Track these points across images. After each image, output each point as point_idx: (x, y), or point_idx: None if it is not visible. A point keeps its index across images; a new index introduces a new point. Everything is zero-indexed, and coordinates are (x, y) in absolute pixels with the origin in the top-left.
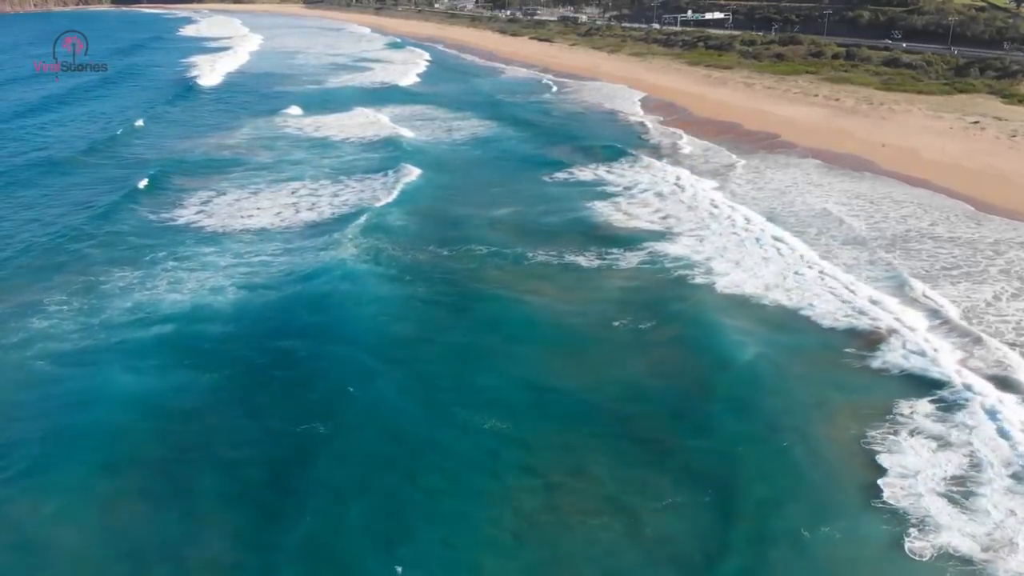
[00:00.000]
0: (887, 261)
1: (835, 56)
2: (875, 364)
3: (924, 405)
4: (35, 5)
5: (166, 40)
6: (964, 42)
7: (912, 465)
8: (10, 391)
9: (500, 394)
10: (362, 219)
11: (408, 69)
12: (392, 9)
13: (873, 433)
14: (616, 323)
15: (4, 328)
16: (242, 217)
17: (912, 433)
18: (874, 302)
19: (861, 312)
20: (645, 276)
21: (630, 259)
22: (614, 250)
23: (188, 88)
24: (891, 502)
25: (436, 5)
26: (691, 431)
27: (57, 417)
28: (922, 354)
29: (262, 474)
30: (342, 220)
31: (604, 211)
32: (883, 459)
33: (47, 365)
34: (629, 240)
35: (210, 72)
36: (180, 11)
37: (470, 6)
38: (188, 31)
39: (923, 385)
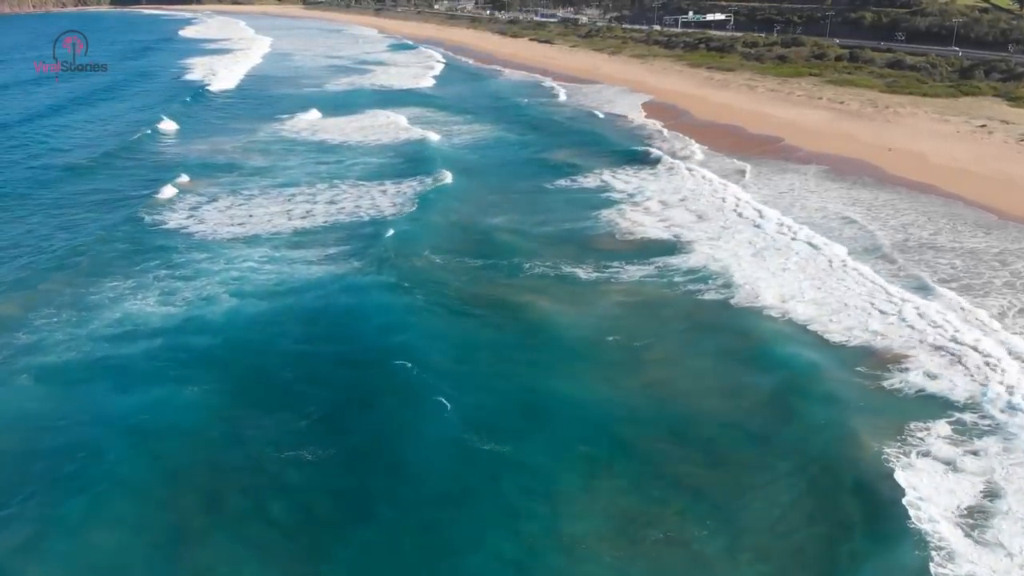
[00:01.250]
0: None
1: (838, 58)
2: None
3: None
4: (33, 6)
5: (174, 42)
6: (967, 44)
7: None
8: None
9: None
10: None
11: (412, 72)
12: (391, 10)
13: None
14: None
15: None
16: (269, 222)
17: None
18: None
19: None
20: (661, 289)
21: (633, 272)
22: (615, 263)
23: (199, 93)
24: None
25: (436, 6)
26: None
27: (34, 438)
28: None
29: (244, 503)
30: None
31: (611, 218)
32: None
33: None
34: (637, 253)
35: (224, 75)
36: (179, 12)
37: (470, 7)
38: (192, 33)
39: None
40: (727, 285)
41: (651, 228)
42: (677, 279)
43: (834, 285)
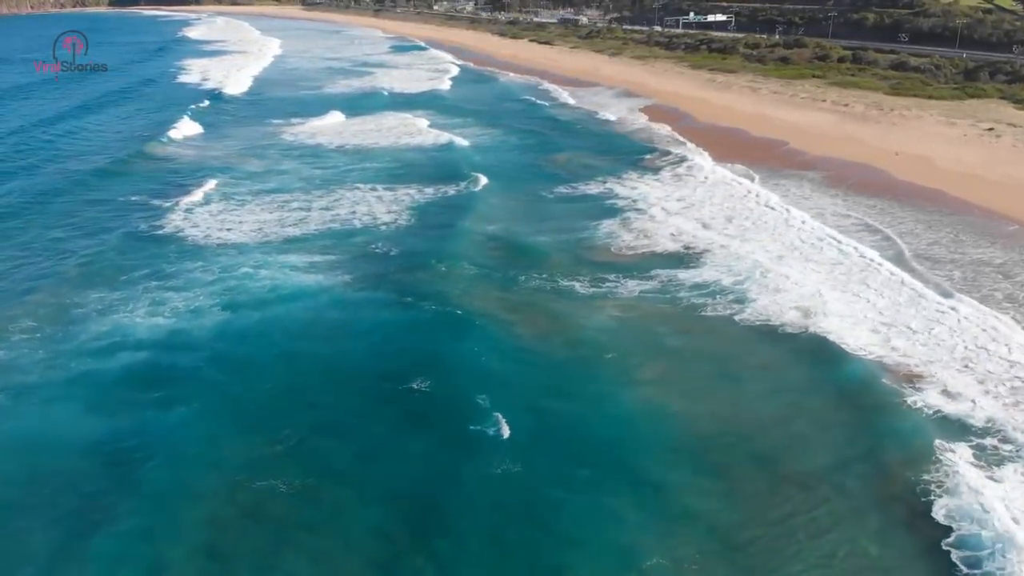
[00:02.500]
0: None
1: (841, 59)
2: None
3: None
4: (32, 7)
5: (182, 43)
6: (971, 45)
7: None
8: None
9: None
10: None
11: (414, 74)
12: (391, 11)
13: None
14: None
15: None
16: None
17: None
18: None
19: None
20: (660, 303)
21: (632, 287)
22: (612, 276)
23: (215, 96)
24: None
25: (435, 7)
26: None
27: (3, 463)
28: None
29: (213, 536)
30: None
31: (612, 229)
32: None
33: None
34: (642, 265)
35: (237, 77)
36: (179, 13)
37: (469, 8)
38: (197, 34)
39: None
40: (739, 301)
41: (660, 238)
42: (682, 293)
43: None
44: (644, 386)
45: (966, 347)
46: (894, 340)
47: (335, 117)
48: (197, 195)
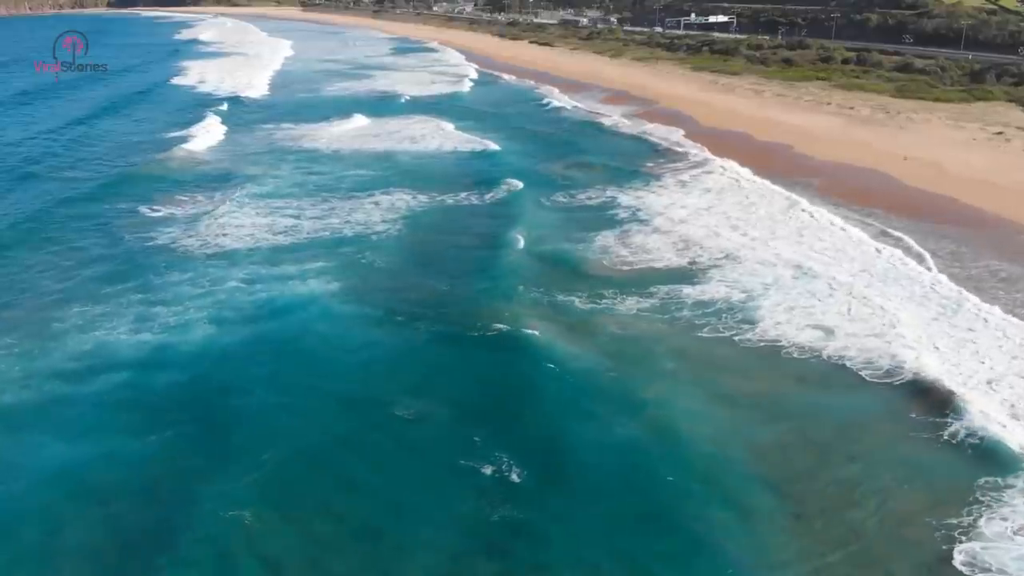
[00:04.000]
0: None
1: (845, 61)
2: None
3: None
4: (30, 8)
5: (193, 45)
6: (976, 46)
7: None
8: None
9: None
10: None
11: (416, 77)
12: (390, 12)
13: None
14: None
15: None
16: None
17: None
18: None
19: None
20: (659, 320)
21: (631, 304)
22: (611, 291)
23: (234, 100)
24: None
25: (435, 8)
26: None
27: None
28: None
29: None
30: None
31: (608, 243)
32: None
33: None
34: (641, 281)
35: (251, 79)
36: (179, 14)
37: (469, 9)
38: (203, 35)
39: None
40: (747, 321)
41: (663, 251)
42: (685, 311)
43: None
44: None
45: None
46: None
47: (358, 121)
48: (228, 203)
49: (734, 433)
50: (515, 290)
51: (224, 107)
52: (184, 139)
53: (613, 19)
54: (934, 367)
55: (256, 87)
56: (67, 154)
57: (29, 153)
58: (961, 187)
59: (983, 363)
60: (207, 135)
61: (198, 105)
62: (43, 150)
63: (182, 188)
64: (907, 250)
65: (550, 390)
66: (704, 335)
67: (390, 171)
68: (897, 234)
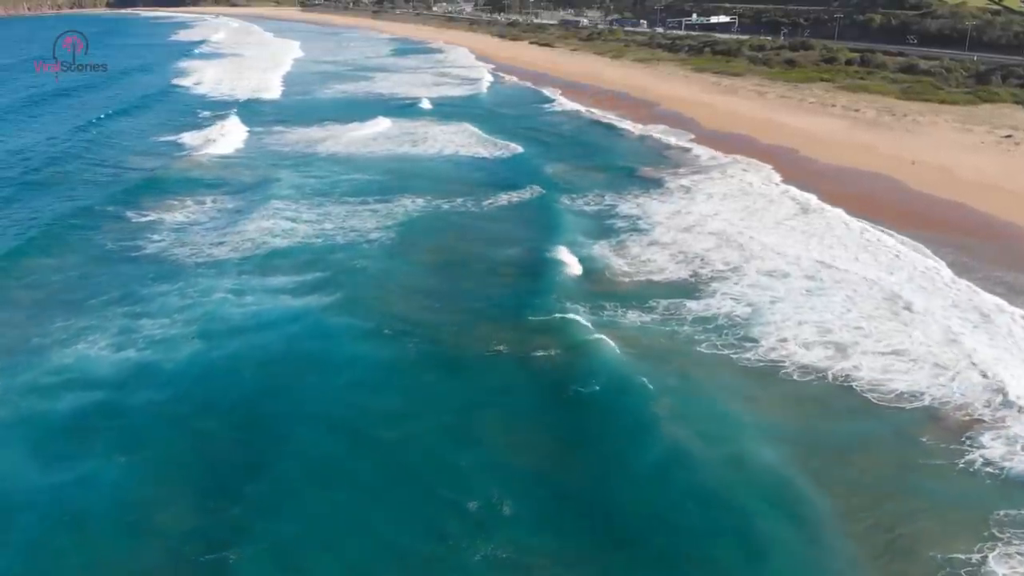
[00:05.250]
0: None
1: (848, 62)
2: None
3: None
4: (28, 8)
5: (202, 47)
6: (980, 47)
7: None
8: None
9: None
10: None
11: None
12: (390, 12)
13: None
14: None
15: None
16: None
17: None
18: None
19: None
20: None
21: (634, 318)
22: (608, 305)
23: (250, 103)
24: None
25: (434, 8)
26: None
27: None
28: None
29: None
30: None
31: (606, 253)
32: None
33: None
34: (644, 293)
35: (264, 81)
36: (179, 15)
37: (468, 9)
38: (207, 36)
39: None
40: (750, 339)
41: (664, 260)
42: (686, 328)
43: None
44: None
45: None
46: None
47: (380, 123)
48: (270, 211)
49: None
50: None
51: (241, 109)
52: (204, 144)
53: (643, 21)
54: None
55: (272, 89)
56: (88, 155)
57: (61, 153)
58: (972, 192)
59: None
60: (229, 138)
61: (213, 107)
62: (65, 151)
63: (209, 190)
64: (924, 257)
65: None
66: (704, 350)
67: (415, 170)
68: (913, 242)
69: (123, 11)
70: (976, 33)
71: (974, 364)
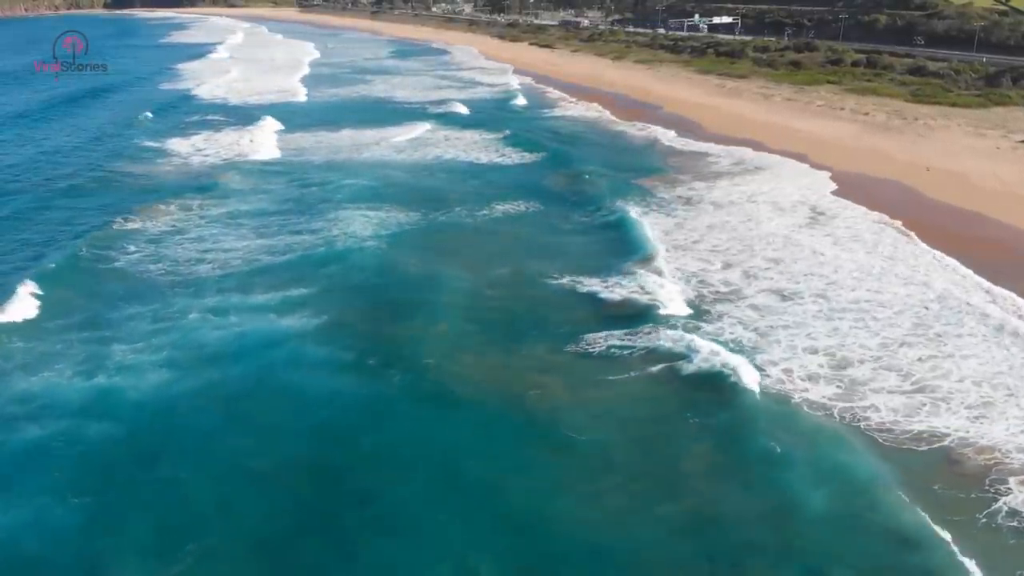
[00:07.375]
0: None
1: (855, 63)
2: None
3: None
4: (26, 9)
5: (209, 49)
6: (988, 48)
7: None
8: None
9: None
10: None
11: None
12: (389, 13)
13: None
14: None
15: None
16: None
17: None
18: None
19: None
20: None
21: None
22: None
23: (282, 108)
24: None
25: (434, 8)
26: None
27: None
28: None
29: None
30: None
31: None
32: None
33: None
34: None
35: (281, 84)
36: (180, 15)
37: (468, 9)
38: (209, 37)
39: None
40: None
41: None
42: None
43: None
44: None
45: None
46: None
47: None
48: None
49: None
50: None
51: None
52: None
53: (701, 23)
54: None
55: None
56: (141, 156)
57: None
58: (989, 201)
59: None
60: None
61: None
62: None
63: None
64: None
65: None
66: None
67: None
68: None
69: (121, 12)
70: (984, 34)
71: None
